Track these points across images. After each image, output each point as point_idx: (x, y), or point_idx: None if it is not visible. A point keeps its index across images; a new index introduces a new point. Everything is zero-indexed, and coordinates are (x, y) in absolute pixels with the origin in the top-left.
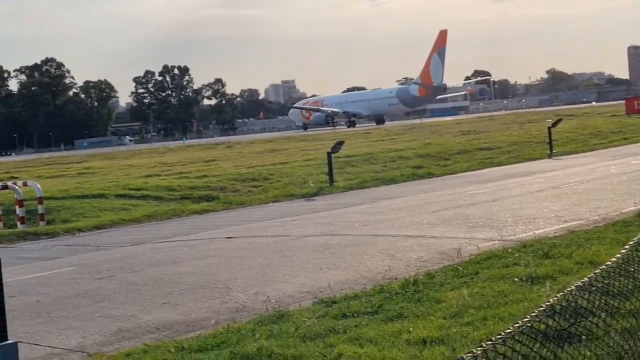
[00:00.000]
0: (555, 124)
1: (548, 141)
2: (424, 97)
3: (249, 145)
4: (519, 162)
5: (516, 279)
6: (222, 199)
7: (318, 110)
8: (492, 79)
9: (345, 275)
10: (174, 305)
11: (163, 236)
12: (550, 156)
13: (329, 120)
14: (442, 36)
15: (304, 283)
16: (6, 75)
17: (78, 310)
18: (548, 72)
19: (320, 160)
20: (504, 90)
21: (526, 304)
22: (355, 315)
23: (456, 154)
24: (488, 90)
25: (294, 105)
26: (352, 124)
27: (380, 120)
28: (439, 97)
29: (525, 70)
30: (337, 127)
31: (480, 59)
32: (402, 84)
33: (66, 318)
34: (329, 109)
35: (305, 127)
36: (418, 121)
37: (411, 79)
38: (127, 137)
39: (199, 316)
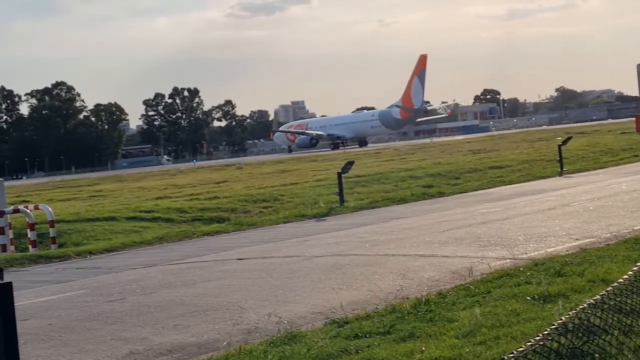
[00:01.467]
0: (565, 142)
1: (558, 159)
2: (405, 119)
3: (259, 166)
4: (529, 180)
5: (528, 298)
6: (233, 220)
7: (302, 133)
8: (501, 97)
9: (356, 295)
10: (186, 327)
11: (174, 258)
12: (560, 174)
13: (313, 142)
14: (422, 60)
15: (315, 303)
16: (17, 99)
17: (90, 332)
18: (557, 89)
19: (330, 181)
20: (514, 109)
21: (538, 322)
22: (367, 336)
23: (466, 172)
24: (497, 108)
25: (279, 129)
26: (335, 146)
27: (363, 142)
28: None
29: (534, 88)
30: (346, 148)
31: (489, 77)
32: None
33: (78, 341)
34: (313, 132)
35: (289, 150)
36: (428, 140)
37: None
38: (165, 156)
39: (210, 338)
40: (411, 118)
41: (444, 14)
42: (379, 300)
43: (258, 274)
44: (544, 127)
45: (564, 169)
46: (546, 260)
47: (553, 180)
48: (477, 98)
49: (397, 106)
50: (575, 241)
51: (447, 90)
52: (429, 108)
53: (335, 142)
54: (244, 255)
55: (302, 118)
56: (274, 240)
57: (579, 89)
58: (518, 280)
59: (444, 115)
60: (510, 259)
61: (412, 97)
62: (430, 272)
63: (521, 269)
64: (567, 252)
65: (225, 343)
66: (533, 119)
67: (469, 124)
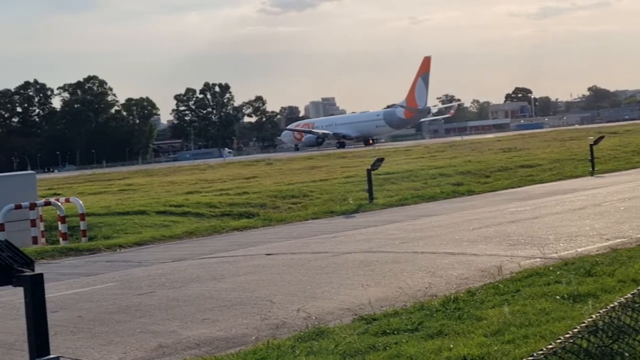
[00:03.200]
0: (596, 141)
1: (590, 158)
2: (409, 119)
3: (289, 162)
4: (560, 180)
5: (557, 297)
6: (262, 216)
7: (309, 132)
8: (532, 96)
9: (385, 292)
10: (214, 321)
11: (203, 252)
12: (591, 173)
13: (320, 141)
14: (426, 62)
15: (343, 299)
16: (49, 92)
17: (119, 325)
18: (589, 89)
19: (360, 177)
20: (545, 107)
21: (568, 321)
22: (395, 332)
23: (496, 171)
24: (529, 107)
25: (286, 127)
26: (341, 145)
27: (367, 141)
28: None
29: (566, 87)
30: (375, 144)
31: (521, 76)
32: (443, 102)
33: (107, 333)
34: (320, 131)
35: (296, 148)
36: (458, 138)
37: (452, 96)
38: (226, 148)
39: (239, 332)
40: (415, 118)
41: (475, 12)
42: (408, 298)
43: (286, 270)
44: (576, 126)
45: (596, 169)
46: (576, 259)
47: (584, 180)
48: (508, 96)
49: (401, 106)
50: (606, 241)
51: (478, 88)
52: (458, 105)
53: (341, 141)
54: (273, 251)
55: (333, 114)
56: (303, 236)
57: (611, 89)
58: (548, 279)
59: (447, 115)
60: (540, 258)
61: (416, 98)
62: (459, 270)
63: (551, 268)
64: (597, 252)
65: (253, 338)
66: (564, 118)
67: (499, 122)
